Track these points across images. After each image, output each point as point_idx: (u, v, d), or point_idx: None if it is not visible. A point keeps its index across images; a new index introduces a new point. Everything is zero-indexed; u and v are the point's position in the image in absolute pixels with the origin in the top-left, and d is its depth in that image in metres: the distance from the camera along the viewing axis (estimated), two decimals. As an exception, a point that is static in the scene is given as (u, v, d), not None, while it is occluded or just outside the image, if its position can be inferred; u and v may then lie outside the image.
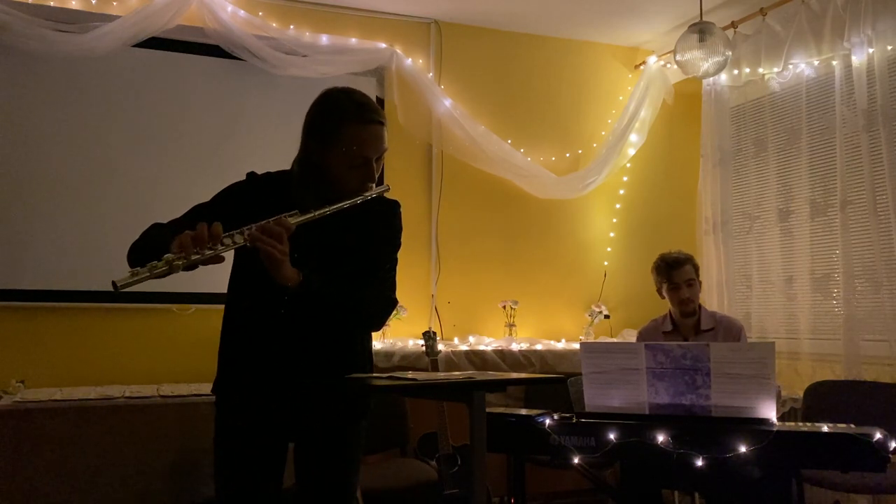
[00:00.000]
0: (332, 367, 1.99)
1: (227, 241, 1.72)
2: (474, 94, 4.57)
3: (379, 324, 2.07)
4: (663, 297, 3.45)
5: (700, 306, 3.42)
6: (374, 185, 1.98)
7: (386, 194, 2.07)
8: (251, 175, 2.05)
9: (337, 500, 2.04)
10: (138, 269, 1.61)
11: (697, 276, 3.41)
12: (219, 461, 1.99)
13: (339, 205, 1.91)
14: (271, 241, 1.75)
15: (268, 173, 2.06)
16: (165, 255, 1.63)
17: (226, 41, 3.92)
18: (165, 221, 1.94)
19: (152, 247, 1.76)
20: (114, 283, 1.59)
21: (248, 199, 1.98)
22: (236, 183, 2.05)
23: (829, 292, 3.84)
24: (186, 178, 3.93)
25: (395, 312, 4.07)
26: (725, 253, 4.27)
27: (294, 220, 1.83)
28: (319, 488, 2.04)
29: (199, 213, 1.94)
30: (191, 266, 1.66)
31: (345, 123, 1.90)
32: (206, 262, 1.69)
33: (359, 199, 1.95)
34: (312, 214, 1.87)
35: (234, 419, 1.98)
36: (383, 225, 2.05)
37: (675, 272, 3.35)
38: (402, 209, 2.11)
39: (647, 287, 4.70)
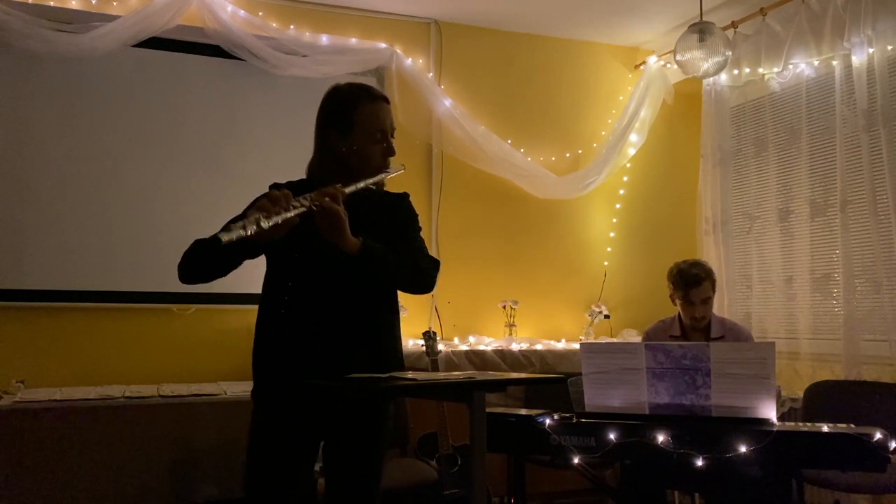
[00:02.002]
0: (368, 365, 2.04)
1: (296, 203, 1.83)
2: (474, 94, 4.57)
3: (432, 281, 2.13)
4: (675, 304, 3.35)
5: (712, 314, 3.38)
6: (392, 161, 2.13)
7: (387, 189, 2.19)
8: (274, 185, 2.13)
9: (365, 494, 2.08)
10: (231, 225, 1.71)
11: (714, 289, 3.31)
12: (251, 459, 2.04)
13: (376, 178, 2.06)
14: (331, 202, 1.87)
15: (288, 182, 2.15)
16: (250, 214, 1.74)
17: (226, 41, 3.92)
18: (204, 236, 2.01)
19: (212, 253, 1.91)
20: (218, 238, 1.69)
21: None
22: (262, 195, 2.10)
23: (829, 292, 3.84)
24: (186, 178, 3.93)
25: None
26: (725, 253, 4.27)
27: (347, 190, 1.95)
28: (349, 483, 2.08)
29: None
30: (268, 231, 1.74)
31: (359, 105, 2.08)
32: (284, 224, 1.78)
33: (386, 176, 2.10)
34: (355, 186, 1.99)
35: (269, 417, 2.04)
36: (402, 210, 2.20)
37: (692, 290, 3.22)
38: None
39: (647, 287, 4.73)
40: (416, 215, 2.22)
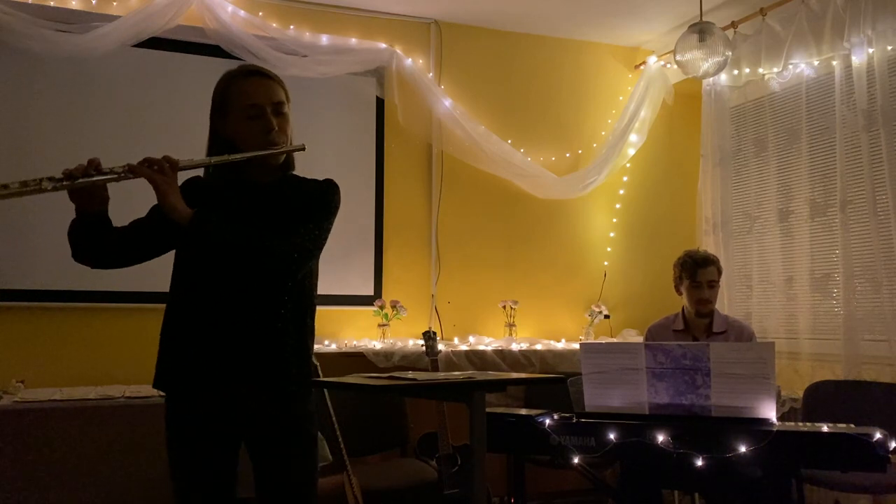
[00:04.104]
0: (258, 370, 1.96)
1: (106, 170, 1.92)
2: (474, 94, 4.57)
3: (285, 270, 1.95)
4: (679, 294, 3.39)
5: (714, 308, 3.40)
6: (276, 136, 2.02)
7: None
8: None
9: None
10: (9, 183, 1.80)
11: (719, 279, 3.37)
12: (172, 459, 2.05)
13: (240, 155, 2.00)
14: (149, 171, 1.91)
15: (197, 177, 2.16)
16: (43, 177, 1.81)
17: (226, 41, 3.92)
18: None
19: (97, 232, 2.08)
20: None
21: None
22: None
23: (829, 292, 3.84)
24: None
25: (394, 312, 4.09)
26: (725, 253, 4.27)
27: (185, 162, 1.98)
28: (278, 493, 1.99)
29: (135, 224, 2.14)
30: (66, 188, 1.92)
31: (231, 85, 2.05)
32: (84, 187, 1.94)
33: (267, 152, 2.01)
34: (209, 160, 2.02)
35: (184, 416, 2.03)
36: (314, 195, 2.06)
37: (700, 271, 3.29)
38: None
39: (647, 287, 4.73)
40: (327, 203, 2.04)
